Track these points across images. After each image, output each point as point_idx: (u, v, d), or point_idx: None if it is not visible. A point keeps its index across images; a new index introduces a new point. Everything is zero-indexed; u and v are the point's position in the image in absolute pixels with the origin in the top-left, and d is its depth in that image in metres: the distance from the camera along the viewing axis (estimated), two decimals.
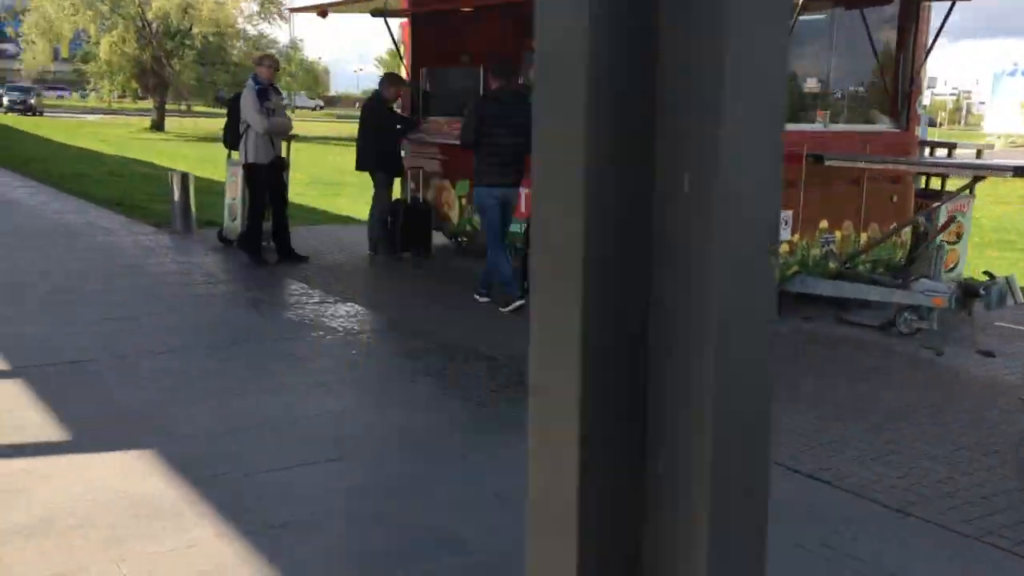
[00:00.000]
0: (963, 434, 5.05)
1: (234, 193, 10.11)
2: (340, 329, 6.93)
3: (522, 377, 5.77)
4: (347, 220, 13.71)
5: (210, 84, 40.75)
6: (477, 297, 7.81)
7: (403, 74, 10.39)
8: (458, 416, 5.07)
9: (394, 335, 6.72)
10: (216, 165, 24.38)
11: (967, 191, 8.79)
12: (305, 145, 35.97)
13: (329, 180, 18.32)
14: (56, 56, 43.75)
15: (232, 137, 9.46)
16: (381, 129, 9.69)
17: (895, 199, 8.10)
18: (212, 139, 36.26)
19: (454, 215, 9.86)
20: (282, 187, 9.43)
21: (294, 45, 44.44)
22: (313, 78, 70.63)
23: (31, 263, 8.87)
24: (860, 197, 7.83)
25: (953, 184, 8.64)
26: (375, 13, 10.18)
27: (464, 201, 9.66)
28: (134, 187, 16.20)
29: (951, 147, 8.67)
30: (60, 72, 59.50)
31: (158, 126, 39.26)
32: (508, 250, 7.79)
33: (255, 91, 9.06)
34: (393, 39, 10.43)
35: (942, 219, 8.44)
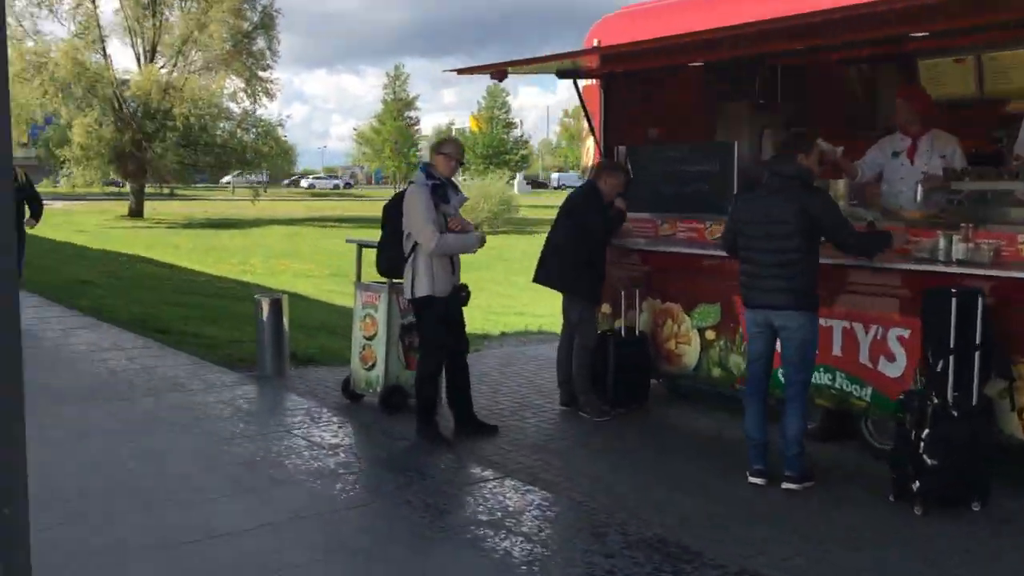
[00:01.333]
0: None
1: (370, 331, 7.02)
2: None
3: None
4: None
5: (191, 167, 37.62)
6: (789, 485, 5.32)
7: (591, 153, 7.49)
8: None
9: None
10: (218, 255, 21.19)
11: None
12: (293, 228, 32.82)
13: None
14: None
15: (393, 257, 6.35)
16: (590, 233, 6.75)
17: None
18: (198, 225, 33.01)
19: (689, 353, 6.86)
20: (460, 326, 6.36)
21: (280, 122, 41.32)
22: (288, 159, 67.03)
23: (89, 461, 5.68)
24: None
25: None
26: (561, 74, 7.30)
27: (712, 334, 6.69)
28: (152, 296, 13.02)
29: None
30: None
31: (136, 212, 35.95)
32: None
33: (428, 189, 6.05)
34: (584, 108, 7.52)
35: None
